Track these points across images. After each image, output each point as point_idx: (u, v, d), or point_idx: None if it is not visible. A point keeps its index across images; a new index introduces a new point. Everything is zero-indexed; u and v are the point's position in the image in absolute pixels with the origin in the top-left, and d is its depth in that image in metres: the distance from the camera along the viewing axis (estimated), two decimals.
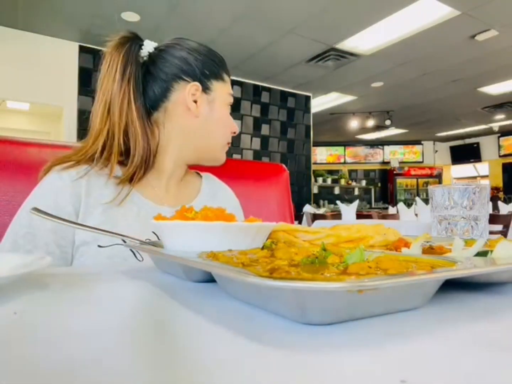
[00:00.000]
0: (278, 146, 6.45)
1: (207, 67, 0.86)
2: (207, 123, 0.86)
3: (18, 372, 0.19)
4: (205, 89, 0.85)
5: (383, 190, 11.23)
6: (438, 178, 11.09)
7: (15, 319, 0.28)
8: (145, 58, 0.85)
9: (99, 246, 0.72)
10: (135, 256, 0.74)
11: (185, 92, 0.83)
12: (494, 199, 7.50)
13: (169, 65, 0.84)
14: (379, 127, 8.95)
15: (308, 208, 5.34)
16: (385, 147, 11.23)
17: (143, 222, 0.77)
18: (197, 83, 0.84)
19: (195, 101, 0.84)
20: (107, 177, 0.77)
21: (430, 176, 11.09)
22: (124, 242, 0.72)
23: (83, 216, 0.73)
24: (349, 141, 11.00)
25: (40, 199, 0.73)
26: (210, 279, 0.40)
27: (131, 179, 0.78)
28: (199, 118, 0.85)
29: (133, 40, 0.83)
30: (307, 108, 6.82)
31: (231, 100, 0.90)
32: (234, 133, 0.91)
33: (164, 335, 0.25)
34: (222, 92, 0.88)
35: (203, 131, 0.86)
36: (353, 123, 8.44)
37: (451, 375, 0.19)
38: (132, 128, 0.79)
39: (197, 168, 1.01)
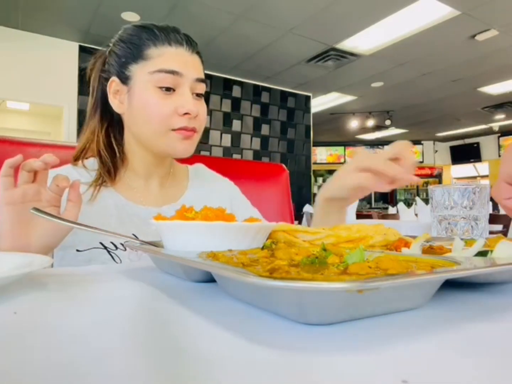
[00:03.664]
0: (278, 146, 6.45)
1: (125, 53, 0.77)
2: (131, 115, 0.77)
3: (18, 372, 0.19)
4: (124, 79, 0.77)
5: None
6: (438, 178, 11.09)
7: (15, 319, 0.28)
8: None
9: (77, 250, 0.71)
10: (113, 259, 0.72)
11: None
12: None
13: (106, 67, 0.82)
14: (379, 127, 8.94)
15: (308, 208, 5.33)
16: (385, 147, 11.16)
17: (123, 224, 0.76)
18: (114, 77, 0.78)
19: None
20: (84, 179, 0.77)
21: (430, 176, 11.08)
22: (103, 245, 0.72)
23: None
24: (349, 141, 10.98)
25: None
26: (210, 279, 0.40)
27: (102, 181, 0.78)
28: (125, 113, 0.79)
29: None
30: (307, 108, 6.81)
31: (160, 77, 0.73)
32: (186, 114, 0.74)
33: (164, 335, 0.25)
34: (142, 73, 0.75)
35: (132, 125, 0.79)
36: (353, 123, 8.43)
37: (452, 375, 0.19)
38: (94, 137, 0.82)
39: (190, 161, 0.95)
